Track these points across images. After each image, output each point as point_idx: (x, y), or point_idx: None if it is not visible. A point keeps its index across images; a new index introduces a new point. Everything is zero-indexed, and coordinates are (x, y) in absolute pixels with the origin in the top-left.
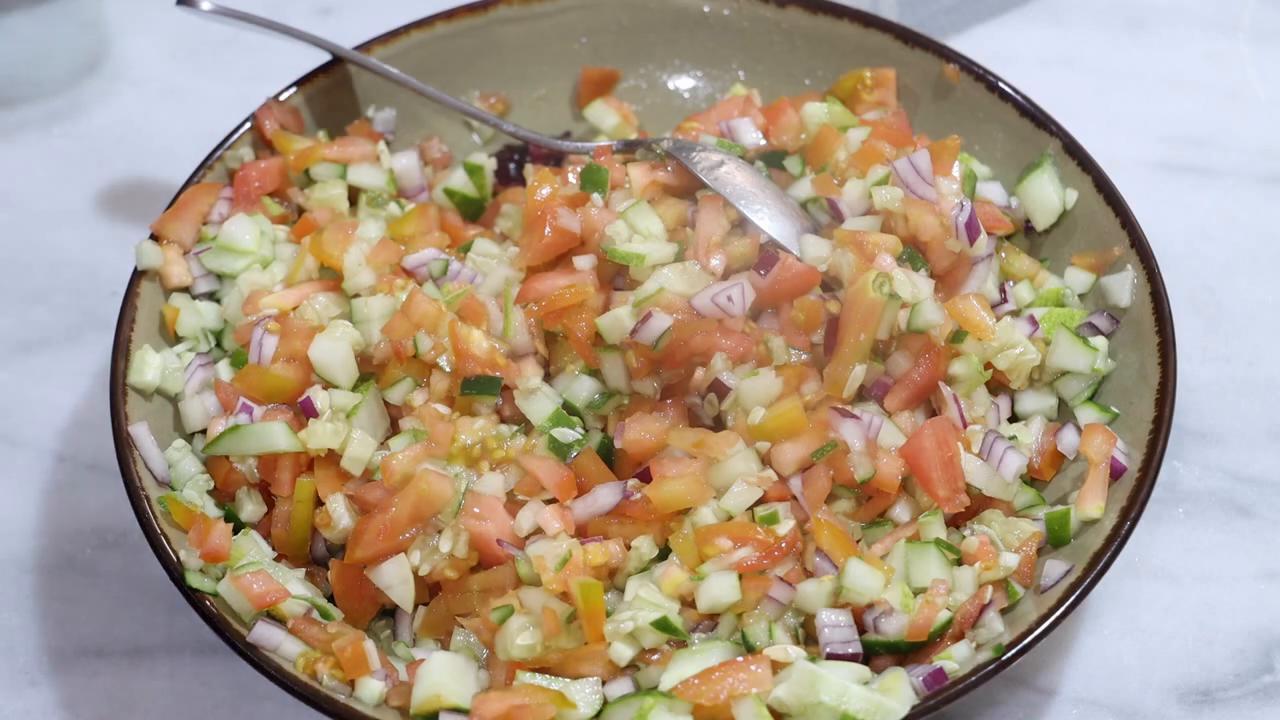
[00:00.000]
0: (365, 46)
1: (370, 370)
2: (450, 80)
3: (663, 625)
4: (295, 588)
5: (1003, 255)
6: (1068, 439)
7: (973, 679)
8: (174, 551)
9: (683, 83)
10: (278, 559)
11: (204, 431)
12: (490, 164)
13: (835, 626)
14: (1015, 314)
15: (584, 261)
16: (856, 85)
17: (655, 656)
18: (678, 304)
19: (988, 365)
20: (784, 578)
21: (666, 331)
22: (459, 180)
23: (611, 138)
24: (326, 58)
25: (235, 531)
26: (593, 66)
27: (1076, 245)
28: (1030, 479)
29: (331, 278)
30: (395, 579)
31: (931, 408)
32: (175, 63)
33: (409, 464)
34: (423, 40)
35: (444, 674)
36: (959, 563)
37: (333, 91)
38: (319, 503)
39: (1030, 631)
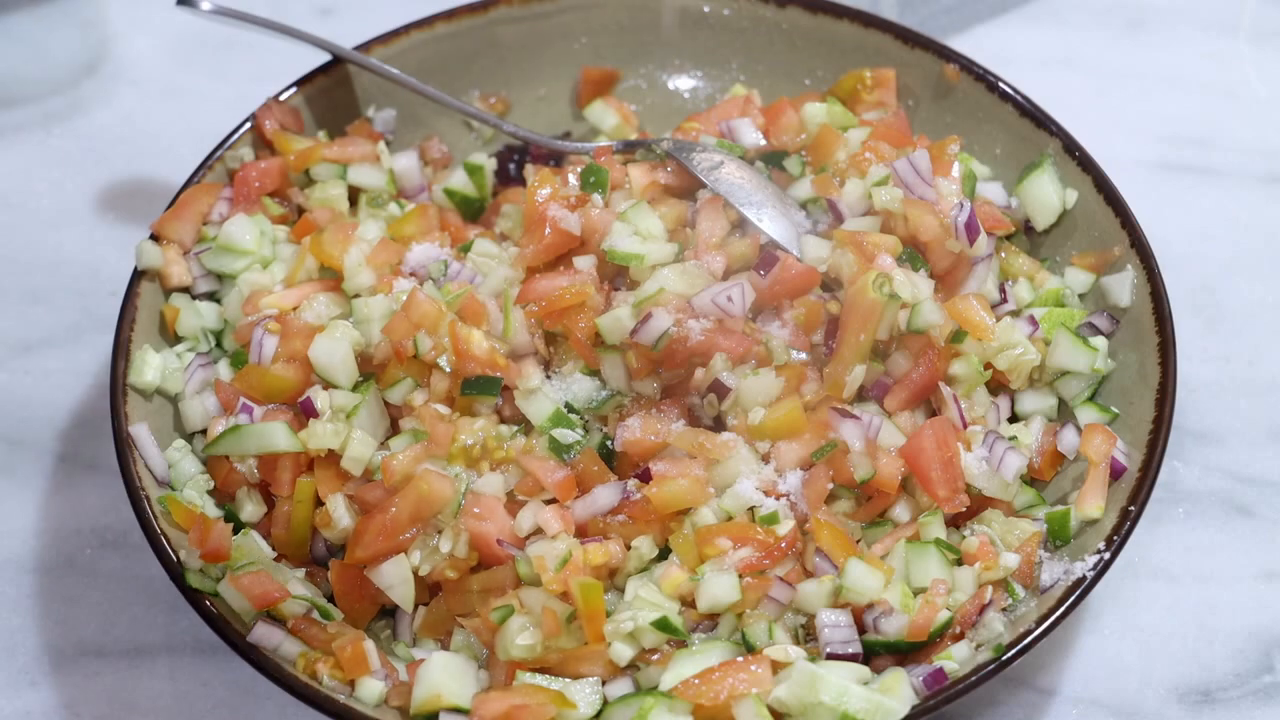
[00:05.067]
0: (365, 46)
1: (370, 370)
2: (450, 80)
3: (663, 625)
4: (295, 588)
5: (1002, 255)
6: (1068, 439)
7: (973, 679)
8: (174, 551)
9: (683, 83)
10: (278, 559)
11: (204, 431)
12: (490, 164)
13: (835, 626)
14: (1015, 314)
15: (584, 262)
16: (856, 85)
17: (655, 656)
18: (678, 304)
19: (988, 365)
20: (784, 578)
21: (666, 332)
22: (459, 180)
23: (611, 138)
24: (326, 58)
25: (235, 531)
26: (593, 66)
27: (1076, 245)
28: (1030, 479)
29: (331, 278)
30: (395, 579)
31: (931, 408)
32: (175, 63)
33: (409, 464)
34: (423, 40)
35: (444, 674)
36: (959, 563)
37: (333, 91)
38: (319, 503)
39: (1030, 631)
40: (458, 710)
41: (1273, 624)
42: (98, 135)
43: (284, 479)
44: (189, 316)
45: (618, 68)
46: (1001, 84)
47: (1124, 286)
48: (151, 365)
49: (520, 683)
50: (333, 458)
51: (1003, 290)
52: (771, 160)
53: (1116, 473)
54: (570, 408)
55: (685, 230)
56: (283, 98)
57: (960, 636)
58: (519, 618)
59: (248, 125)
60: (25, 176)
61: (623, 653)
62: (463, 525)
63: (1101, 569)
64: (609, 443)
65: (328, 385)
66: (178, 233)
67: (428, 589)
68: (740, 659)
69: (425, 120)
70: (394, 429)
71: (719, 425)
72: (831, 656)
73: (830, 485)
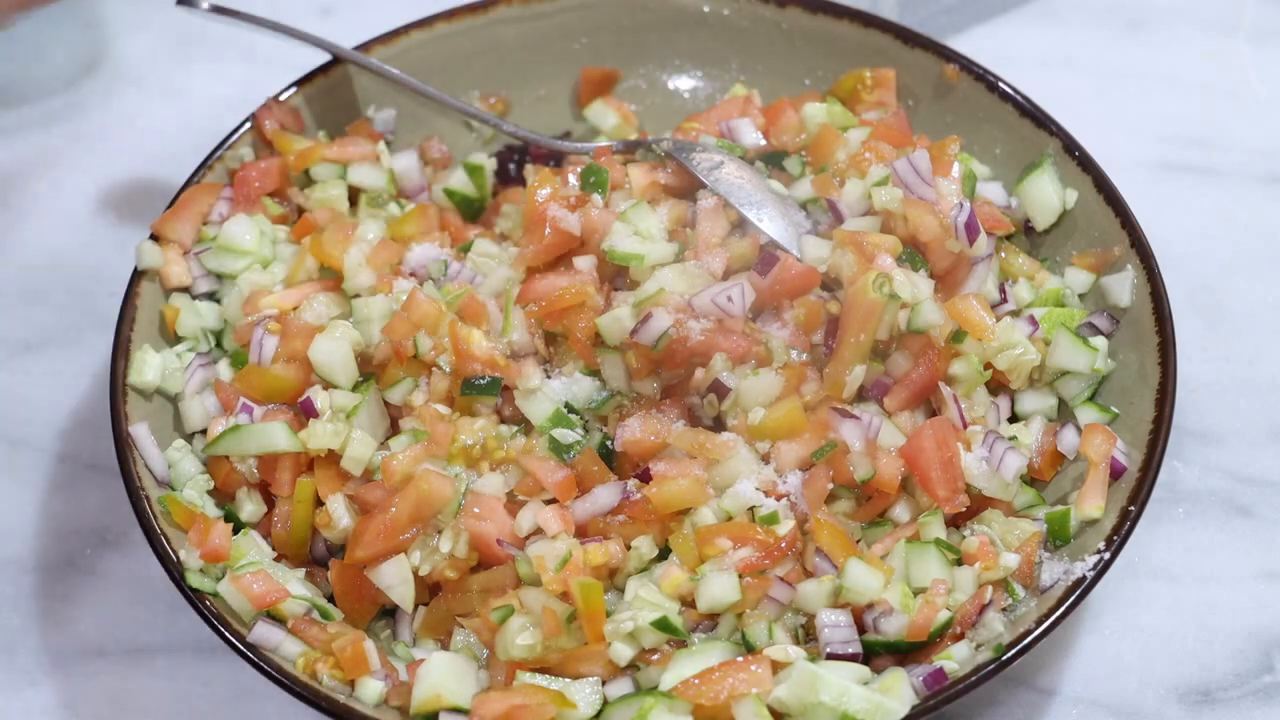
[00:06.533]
0: (365, 46)
1: (370, 370)
2: (450, 80)
3: (663, 625)
4: (295, 588)
5: (1002, 255)
6: (1068, 439)
7: (973, 679)
8: (174, 551)
9: (683, 83)
10: (278, 559)
11: (204, 431)
12: (490, 164)
13: (835, 626)
14: (1015, 314)
15: (584, 262)
16: (856, 85)
17: (655, 656)
18: (678, 304)
19: (988, 365)
20: (784, 578)
21: (666, 332)
22: (459, 180)
23: (611, 138)
24: (326, 58)
25: (235, 531)
26: (593, 66)
27: (1076, 245)
28: (1030, 479)
29: (331, 278)
30: (395, 579)
31: (931, 408)
32: (175, 63)
33: (409, 464)
34: (423, 40)
35: (444, 674)
36: (959, 563)
37: (333, 91)
38: (319, 503)
39: (1030, 631)
40: (458, 710)
41: (1273, 624)
42: (98, 135)
43: (284, 479)
44: (189, 316)
45: (618, 68)
46: (1001, 84)
47: (1124, 286)
48: (151, 365)
49: (520, 683)
50: (333, 458)
51: (1003, 290)
52: (771, 160)
53: (1116, 473)
54: (570, 408)
55: (685, 230)
56: (283, 98)
57: (960, 636)
58: (519, 618)
59: (248, 125)
60: (25, 177)
61: (623, 653)
62: (463, 525)
63: (1101, 569)
64: (609, 443)
65: (328, 385)
66: (178, 233)
67: (428, 589)
68: (740, 659)
69: (425, 120)
70: (394, 429)
71: (719, 425)
72: (831, 656)
73: (830, 485)
